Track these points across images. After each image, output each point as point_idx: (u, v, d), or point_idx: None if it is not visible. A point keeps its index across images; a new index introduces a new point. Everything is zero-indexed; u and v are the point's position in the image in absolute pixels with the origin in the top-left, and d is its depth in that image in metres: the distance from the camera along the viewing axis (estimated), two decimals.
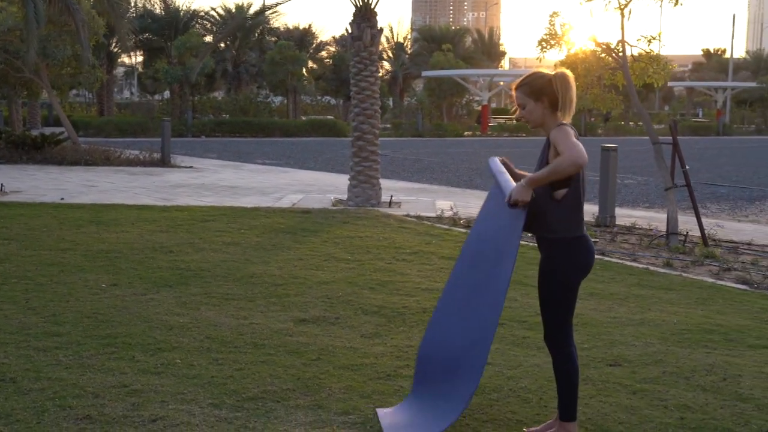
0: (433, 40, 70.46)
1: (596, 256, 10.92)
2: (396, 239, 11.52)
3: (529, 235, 4.92)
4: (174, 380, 5.53)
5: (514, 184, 4.62)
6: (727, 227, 13.93)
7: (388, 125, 52.01)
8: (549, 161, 4.51)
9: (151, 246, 10.45)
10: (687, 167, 12.06)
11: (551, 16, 12.50)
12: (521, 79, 4.69)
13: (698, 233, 12.14)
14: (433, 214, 14.39)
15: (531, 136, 52.20)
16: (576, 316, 7.61)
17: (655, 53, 12.56)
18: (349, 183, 15.68)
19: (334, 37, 69.86)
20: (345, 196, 16.13)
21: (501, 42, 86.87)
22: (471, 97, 61.67)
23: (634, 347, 6.71)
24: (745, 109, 70.32)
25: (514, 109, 4.85)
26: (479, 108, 61.14)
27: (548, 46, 12.40)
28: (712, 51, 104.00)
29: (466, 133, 53.11)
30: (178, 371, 5.72)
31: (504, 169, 4.92)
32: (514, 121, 61.71)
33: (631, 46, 12.43)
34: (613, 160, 13.84)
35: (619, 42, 12.52)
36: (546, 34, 12.44)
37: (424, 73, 59.19)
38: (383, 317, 7.41)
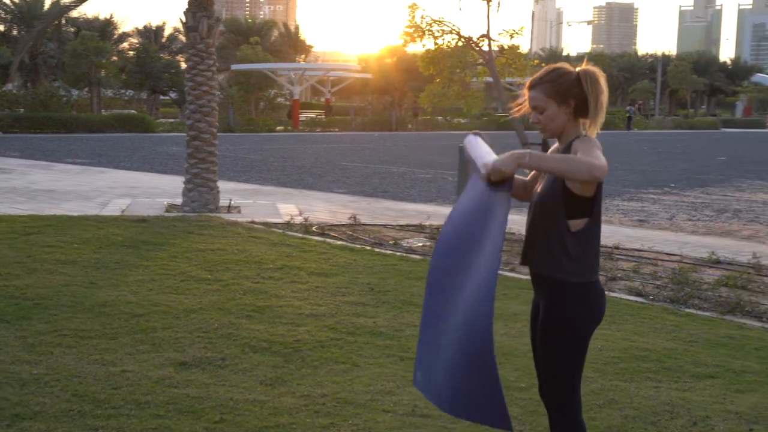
0: (240, 33, 68.95)
1: None
2: (253, 252, 10.38)
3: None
4: None
5: (482, 162, 3.56)
6: None
7: None
8: (562, 179, 3.59)
9: None
10: None
11: (410, 7, 11.64)
12: (540, 75, 3.73)
13: None
14: (279, 220, 13.32)
15: (346, 131, 51.54)
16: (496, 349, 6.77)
17: (518, 48, 11.96)
18: (184, 186, 14.36)
19: (137, 28, 67.18)
20: (178, 201, 14.80)
21: (302, 35, 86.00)
22: (276, 92, 60.42)
23: None
24: None
25: (516, 109, 3.86)
26: (286, 102, 60.07)
27: (410, 40, 11.53)
28: (506, 47, 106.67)
29: (278, 128, 51.91)
30: None
31: (482, 143, 3.82)
32: (323, 116, 60.98)
33: (493, 40, 11.76)
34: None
35: (482, 36, 11.84)
36: (408, 26, 11.57)
37: (234, 67, 57.54)
38: (277, 356, 6.32)
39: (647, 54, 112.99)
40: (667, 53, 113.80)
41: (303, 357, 6.29)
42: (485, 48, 11.57)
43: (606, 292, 8.95)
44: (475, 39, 11.69)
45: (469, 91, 12.19)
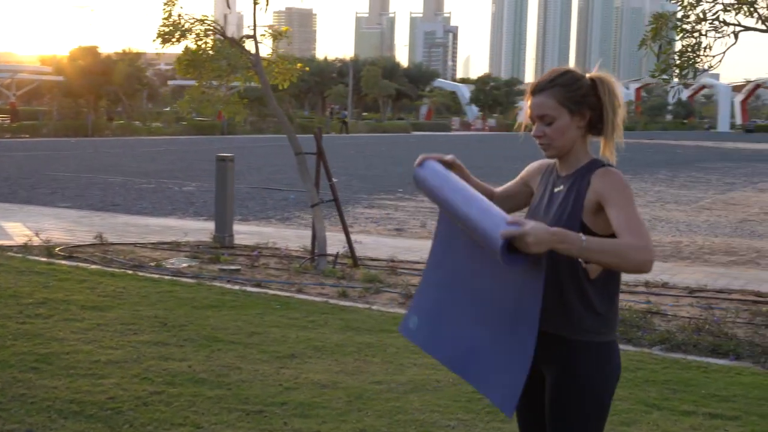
0: None
1: (256, 290, 9.33)
2: (0, 284, 8.91)
3: None
4: None
5: (504, 215, 2.74)
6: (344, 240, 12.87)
7: None
8: (579, 219, 2.88)
9: None
10: (335, 180, 10.81)
11: (167, 3, 10.54)
12: (550, 77, 2.98)
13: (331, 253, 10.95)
14: (12, 242, 11.75)
15: (39, 138, 48.16)
16: (322, 386, 5.96)
17: (282, 51, 11.21)
18: None
19: None
20: None
21: None
22: None
23: (452, 429, 5.23)
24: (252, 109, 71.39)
25: (519, 124, 3.11)
26: None
27: (170, 39, 10.42)
28: (275, 49, 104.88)
29: None
30: None
31: (446, 174, 3.03)
32: (9, 121, 56.91)
33: (259, 42, 10.91)
34: (231, 170, 12.17)
35: (245, 37, 10.96)
36: (164, 25, 10.45)
37: None
38: (96, 421, 5.17)
39: (336, 59, 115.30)
40: (353, 58, 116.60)
41: (129, 421, 5.19)
42: (253, 50, 10.66)
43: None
44: (237, 40, 10.74)
45: (233, 96, 11.21)
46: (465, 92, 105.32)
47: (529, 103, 3.01)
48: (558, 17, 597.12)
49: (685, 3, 7.70)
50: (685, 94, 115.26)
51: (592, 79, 2.98)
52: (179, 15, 10.53)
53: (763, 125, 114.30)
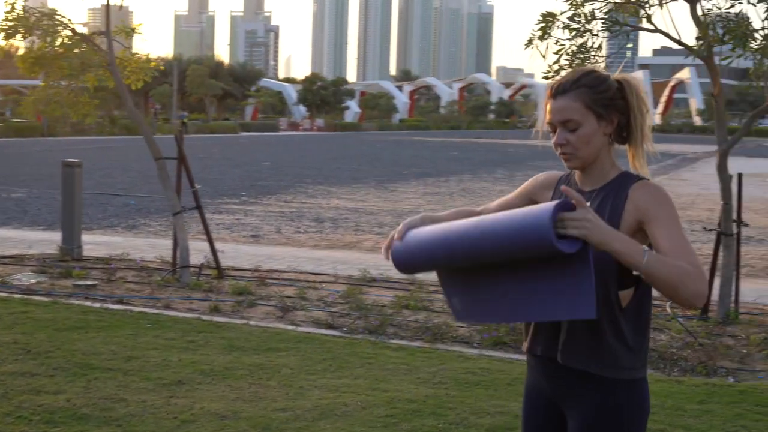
0: None
1: (119, 307, 8.65)
2: None
3: None
4: None
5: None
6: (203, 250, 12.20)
7: None
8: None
9: None
10: (198, 186, 10.19)
11: None
12: (573, 78, 2.62)
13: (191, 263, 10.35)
14: None
15: None
16: (222, 417, 5.44)
17: (135, 50, 10.54)
18: None
19: None
20: None
21: None
22: None
23: None
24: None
25: (532, 123, 2.74)
26: None
27: (14, 35, 9.57)
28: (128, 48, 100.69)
29: None
30: None
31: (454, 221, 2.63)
32: None
33: (114, 39, 10.19)
34: (78, 177, 11.34)
35: (96, 33, 10.23)
36: (7, 19, 9.60)
37: None
38: None
39: (159, 58, 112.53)
40: (176, 57, 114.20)
41: None
42: (106, 47, 9.93)
43: (292, 327, 7.98)
44: (89, 36, 9.99)
45: (83, 97, 10.41)
46: (291, 92, 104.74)
47: (548, 107, 2.62)
48: (379, 17, 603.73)
49: (574, 1, 7.52)
50: (506, 94, 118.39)
51: (617, 81, 2.63)
52: (23, 8, 9.69)
53: None
